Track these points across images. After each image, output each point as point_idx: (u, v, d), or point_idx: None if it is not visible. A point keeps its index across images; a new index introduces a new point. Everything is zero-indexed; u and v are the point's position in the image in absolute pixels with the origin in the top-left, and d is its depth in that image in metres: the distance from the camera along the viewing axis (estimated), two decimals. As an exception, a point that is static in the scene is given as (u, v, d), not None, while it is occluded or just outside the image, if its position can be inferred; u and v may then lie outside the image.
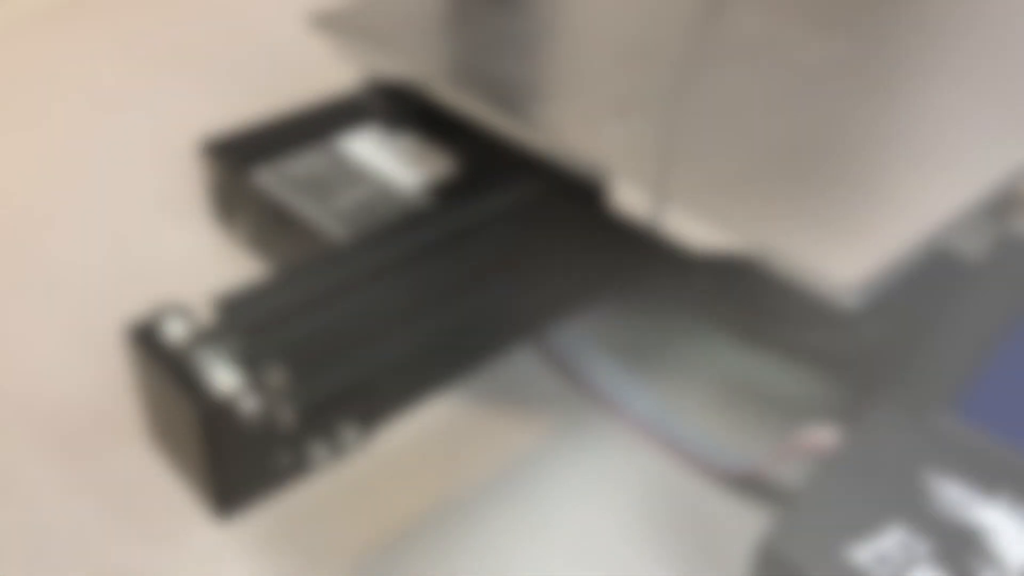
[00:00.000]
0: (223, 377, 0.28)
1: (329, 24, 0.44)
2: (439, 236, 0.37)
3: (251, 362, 0.30)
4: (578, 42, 0.44)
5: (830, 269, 0.29)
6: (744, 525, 0.37)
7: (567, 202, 0.40)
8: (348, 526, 0.36)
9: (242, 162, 0.48)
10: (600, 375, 0.43)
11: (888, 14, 0.46)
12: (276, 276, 0.34)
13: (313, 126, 0.51)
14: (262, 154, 0.49)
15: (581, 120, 0.37)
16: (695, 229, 0.31)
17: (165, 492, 0.37)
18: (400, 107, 0.44)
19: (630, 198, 0.33)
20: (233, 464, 0.28)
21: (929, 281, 0.41)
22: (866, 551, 0.27)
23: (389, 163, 0.48)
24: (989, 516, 0.28)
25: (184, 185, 0.56)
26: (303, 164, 0.48)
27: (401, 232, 0.37)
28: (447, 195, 0.41)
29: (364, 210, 0.44)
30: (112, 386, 0.42)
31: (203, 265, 0.50)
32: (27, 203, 0.54)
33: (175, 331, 0.30)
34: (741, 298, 0.34)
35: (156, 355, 0.29)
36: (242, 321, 0.31)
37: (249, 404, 0.27)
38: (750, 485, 0.38)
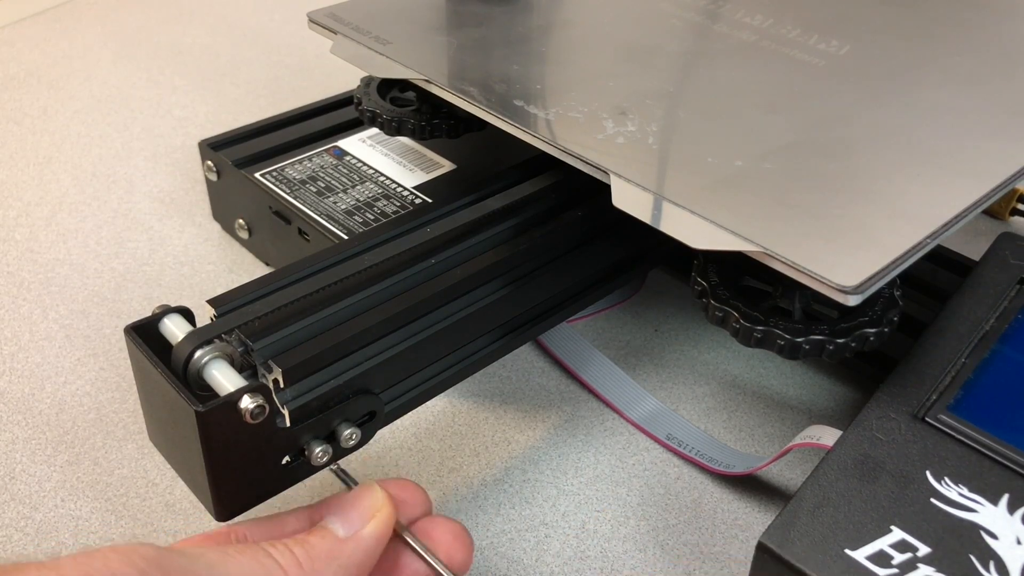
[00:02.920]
0: (221, 378, 0.28)
1: (329, 24, 0.44)
2: (439, 236, 0.36)
3: (250, 363, 0.30)
4: (578, 42, 0.44)
5: (831, 269, 0.29)
6: (744, 525, 0.37)
7: (567, 202, 0.40)
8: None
9: (242, 162, 0.48)
10: (600, 375, 0.43)
11: (888, 15, 0.46)
12: (275, 276, 0.33)
13: (313, 126, 0.51)
14: (262, 154, 0.49)
15: (581, 120, 0.37)
16: (695, 229, 0.31)
17: (165, 492, 0.37)
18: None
19: (629, 198, 0.33)
20: (232, 464, 0.28)
21: (928, 281, 0.42)
22: (866, 551, 0.27)
23: (389, 163, 0.48)
24: (989, 516, 0.28)
25: (184, 185, 0.56)
26: (303, 164, 0.48)
27: (401, 232, 0.37)
28: (446, 195, 0.41)
29: (364, 210, 0.44)
30: (112, 386, 0.42)
31: (203, 265, 0.50)
32: (27, 203, 0.54)
33: (174, 331, 0.30)
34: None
35: (155, 355, 0.29)
36: (241, 321, 0.31)
37: (248, 404, 0.27)
38: (750, 485, 0.38)
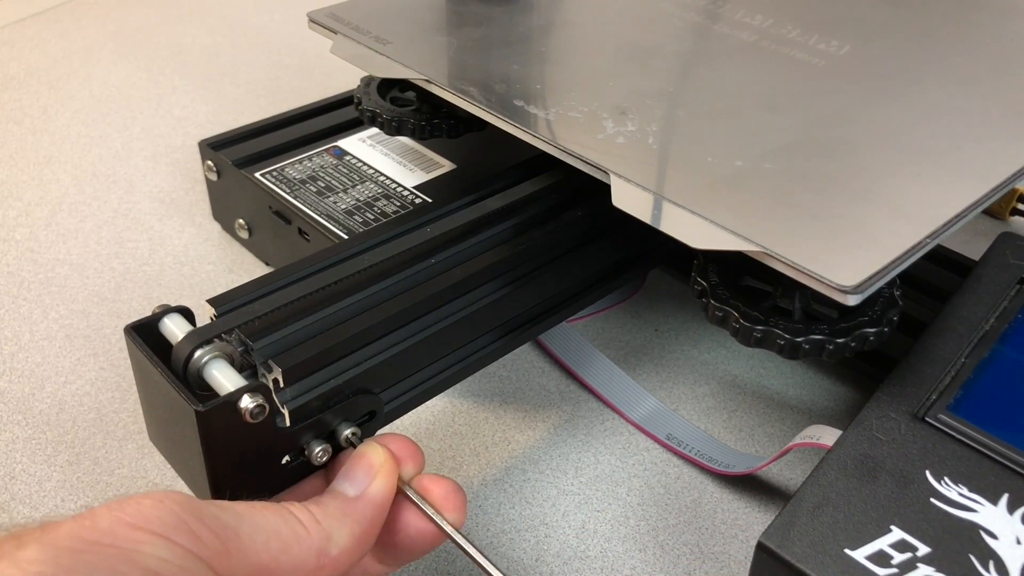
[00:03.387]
0: (221, 377, 0.28)
1: (329, 24, 0.44)
2: (439, 236, 0.36)
3: (250, 362, 0.30)
4: (578, 42, 0.44)
5: (831, 268, 0.29)
6: (744, 525, 0.37)
7: (567, 202, 0.40)
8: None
9: (242, 162, 0.48)
10: (600, 375, 0.43)
11: (888, 15, 0.46)
12: (275, 276, 0.34)
13: (313, 126, 0.51)
14: (262, 154, 0.49)
15: (581, 120, 0.37)
16: (695, 229, 0.31)
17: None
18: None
19: (630, 198, 0.33)
20: (232, 463, 0.28)
21: (928, 281, 0.42)
22: (866, 551, 0.27)
23: (389, 163, 0.48)
24: (989, 516, 0.28)
25: (184, 185, 0.56)
26: (303, 164, 0.48)
27: (401, 232, 0.37)
28: (446, 195, 0.41)
29: (364, 210, 0.44)
30: (112, 386, 0.42)
31: (203, 265, 0.50)
32: (27, 203, 0.54)
33: (174, 331, 0.30)
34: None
35: (155, 355, 0.29)
36: (241, 321, 0.31)
37: (248, 404, 0.27)
38: (750, 485, 0.38)
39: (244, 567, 0.24)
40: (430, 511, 0.29)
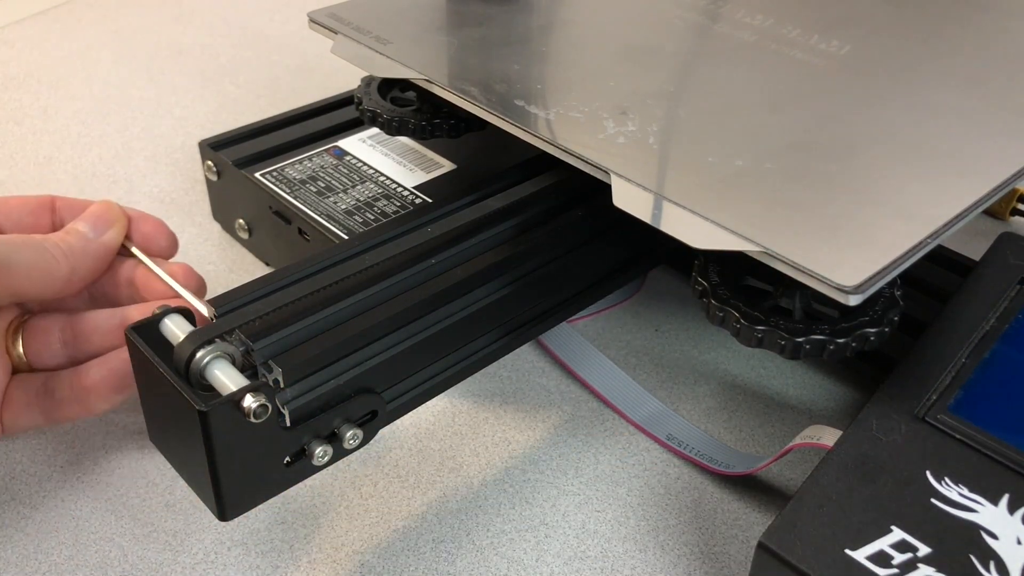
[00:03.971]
0: (223, 377, 0.28)
1: (329, 24, 0.44)
2: (439, 236, 0.36)
3: (251, 362, 0.30)
4: (578, 42, 0.44)
5: (832, 268, 0.29)
6: (744, 525, 0.37)
7: (567, 202, 0.40)
8: (348, 525, 0.36)
9: (242, 162, 0.48)
10: (600, 375, 0.43)
11: (889, 14, 0.46)
12: (275, 276, 0.34)
13: (313, 126, 0.51)
14: (262, 154, 0.49)
15: (582, 120, 0.37)
16: (696, 229, 0.31)
17: (165, 492, 0.37)
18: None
19: (630, 198, 0.33)
20: (233, 464, 0.28)
21: (928, 281, 0.42)
22: (866, 551, 0.27)
23: (389, 163, 0.48)
24: (989, 516, 0.28)
25: (184, 185, 0.56)
26: (303, 164, 0.48)
27: (401, 232, 0.37)
28: (447, 195, 0.41)
29: (364, 210, 0.44)
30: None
31: (203, 265, 0.50)
32: (27, 203, 0.54)
33: (175, 331, 0.30)
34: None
35: (156, 355, 0.29)
36: (241, 321, 0.31)
37: (251, 403, 0.27)
38: (750, 485, 0.38)
39: (8, 291, 0.33)
40: (150, 263, 0.37)
